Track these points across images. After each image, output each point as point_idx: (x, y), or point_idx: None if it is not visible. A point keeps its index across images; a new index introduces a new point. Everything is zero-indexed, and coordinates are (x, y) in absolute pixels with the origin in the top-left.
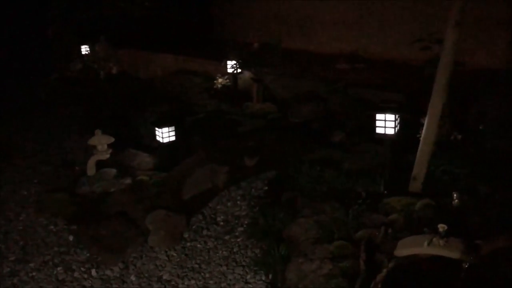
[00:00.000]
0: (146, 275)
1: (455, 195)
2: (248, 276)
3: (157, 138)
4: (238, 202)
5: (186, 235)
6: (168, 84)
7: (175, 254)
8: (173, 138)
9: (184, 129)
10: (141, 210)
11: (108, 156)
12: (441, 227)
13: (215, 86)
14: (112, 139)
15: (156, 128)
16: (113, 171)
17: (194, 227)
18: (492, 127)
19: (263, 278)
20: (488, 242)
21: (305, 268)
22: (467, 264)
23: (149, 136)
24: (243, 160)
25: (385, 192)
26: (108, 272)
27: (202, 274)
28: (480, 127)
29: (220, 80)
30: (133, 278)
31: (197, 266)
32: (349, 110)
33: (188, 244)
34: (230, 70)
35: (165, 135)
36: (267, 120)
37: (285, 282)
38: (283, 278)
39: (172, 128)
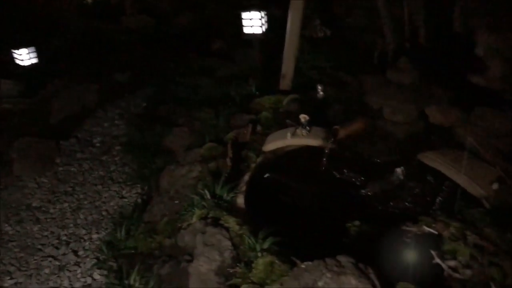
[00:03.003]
0: (14, 205)
1: (319, 87)
2: (124, 191)
3: (17, 61)
4: (116, 122)
5: (58, 160)
6: (31, 4)
7: (45, 180)
8: (35, 61)
9: (50, 50)
10: (4, 140)
11: None
12: (303, 117)
13: (85, 2)
14: None
15: (13, 50)
16: None
17: (67, 151)
18: (358, 21)
19: (139, 191)
20: (343, 126)
21: (176, 174)
22: (328, 149)
23: (13, 62)
24: (114, 76)
25: (257, 93)
26: None
27: (76, 196)
28: (347, 21)
29: None
30: None
31: (70, 189)
32: (227, 17)
33: (60, 168)
34: None
35: (25, 57)
36: (142, 34)
37: (158, 190)
38: (157, 187)
39: (32, 49)
